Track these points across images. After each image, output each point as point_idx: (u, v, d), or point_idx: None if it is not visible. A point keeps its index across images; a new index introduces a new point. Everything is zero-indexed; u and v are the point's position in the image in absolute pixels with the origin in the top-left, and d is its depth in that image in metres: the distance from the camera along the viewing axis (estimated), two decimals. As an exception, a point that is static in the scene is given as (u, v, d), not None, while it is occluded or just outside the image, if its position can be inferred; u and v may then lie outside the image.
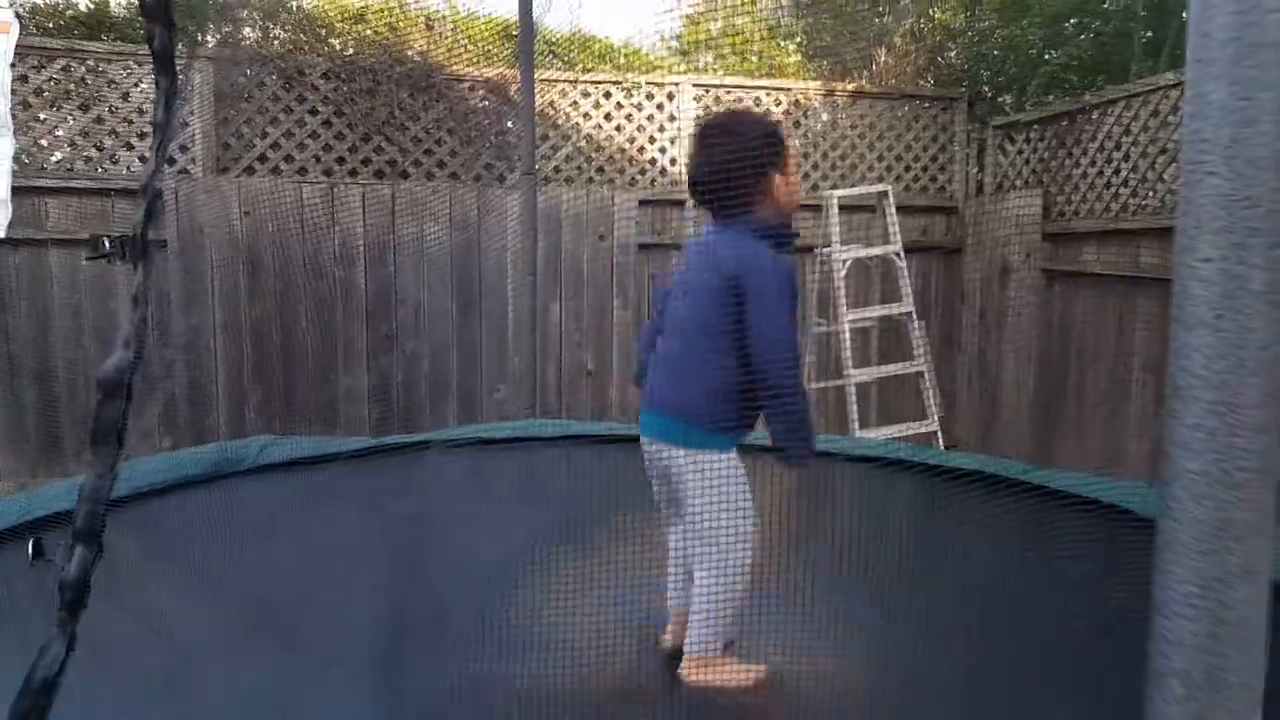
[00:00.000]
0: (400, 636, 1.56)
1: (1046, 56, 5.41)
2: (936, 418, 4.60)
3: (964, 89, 5.34)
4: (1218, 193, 0.77)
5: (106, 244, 0.98)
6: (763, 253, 1.49)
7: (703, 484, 1.46)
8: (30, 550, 1.64)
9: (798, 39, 5.86)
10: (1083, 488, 2.55)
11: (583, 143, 4.85)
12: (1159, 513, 0.83)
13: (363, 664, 1.49)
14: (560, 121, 4.80)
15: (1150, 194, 4.01)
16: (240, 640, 1.61)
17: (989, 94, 5.64)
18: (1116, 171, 4.20)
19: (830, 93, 5.11)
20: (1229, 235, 0.77)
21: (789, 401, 1.45)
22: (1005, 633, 1.72)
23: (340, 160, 4.58)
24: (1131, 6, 5.03)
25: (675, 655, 1.52)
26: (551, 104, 4.71)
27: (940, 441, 4.58)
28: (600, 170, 4.88)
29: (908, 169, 5.19)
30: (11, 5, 3.45)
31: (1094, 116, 4.37)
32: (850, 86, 5.19)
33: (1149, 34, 4.95)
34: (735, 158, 1.49)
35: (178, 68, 1.02)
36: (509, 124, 4.75)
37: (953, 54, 5.86)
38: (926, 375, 4.61)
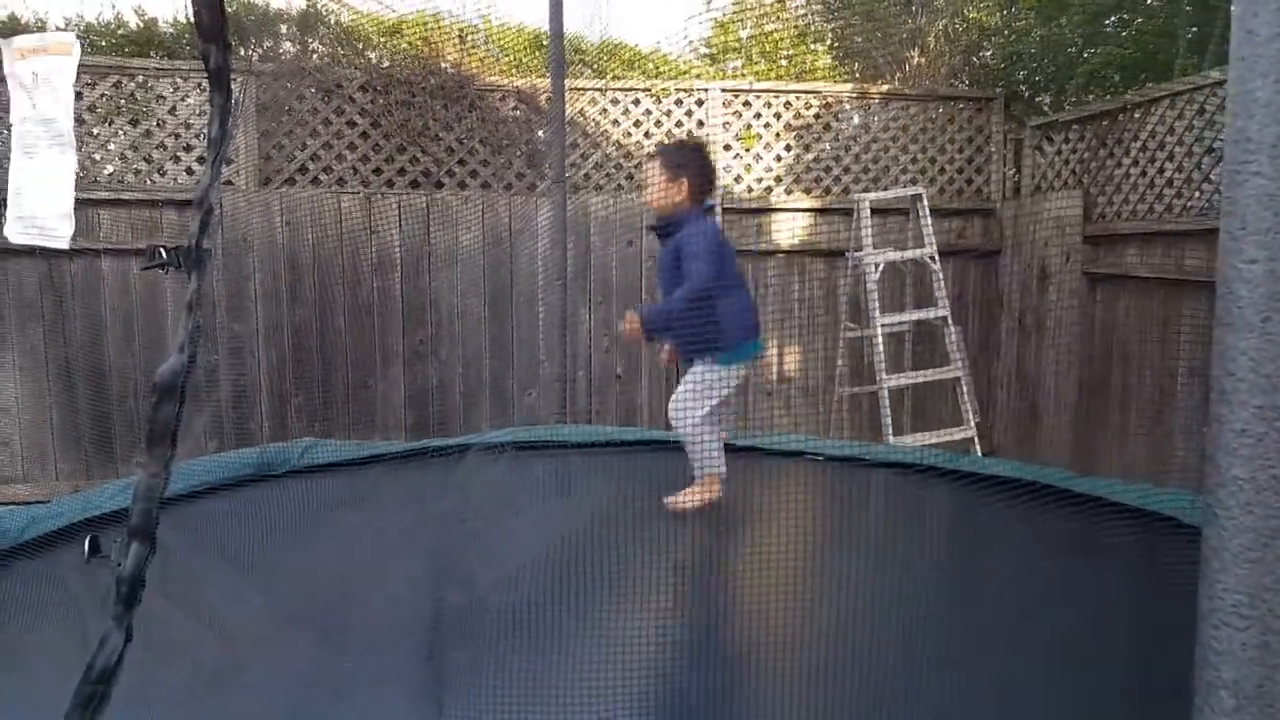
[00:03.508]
0: (441, 629, 1.59)
1: (1086, 55, 5.32)
2: (973, 424, 4.53)
3: (1000, 89, 5.27)
4: (1263, 193, 0.76)
5: (163, 254, 1.01)
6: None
7: None
8: (87, 548, 1.69)
9: (828, 41, 5.83)
10: (1126, 496, 2.49)
11: (612, 150, 4.87)
12: (1205, 521, 0.81)
13: (406, 655, 1.52)
14: (590, 129, 4.83)
15: (1196, 195, 3.91)
16: (287, 632, 1.65)
17: (1026, 93, 5.55)
18: (1160, 171, 4.11)
19: (862, 95, 5.08)
20: (1276, 235, 0.76)
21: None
22: (1044, 642, 1.69)
23: (377, 171, 4.66)
24: (1175, 2, 4.92)
25: None
26: (581, 112, 4.75)
27: (978, 448, 4.51)
28: (629, 177, 4.90)
29: (942, 171, 5.13)
30: (67, 26, 3.59)
31: (1136, 115, 4.28)
32: (882, 88, 5.15)
33: (1194, 30, 4.84)
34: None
35: (232, 84, 1.05)
36: (539, 133, 4.79)
37: (988, 53, 5.78)
38: (963, 381, 4.55)
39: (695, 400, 2.34)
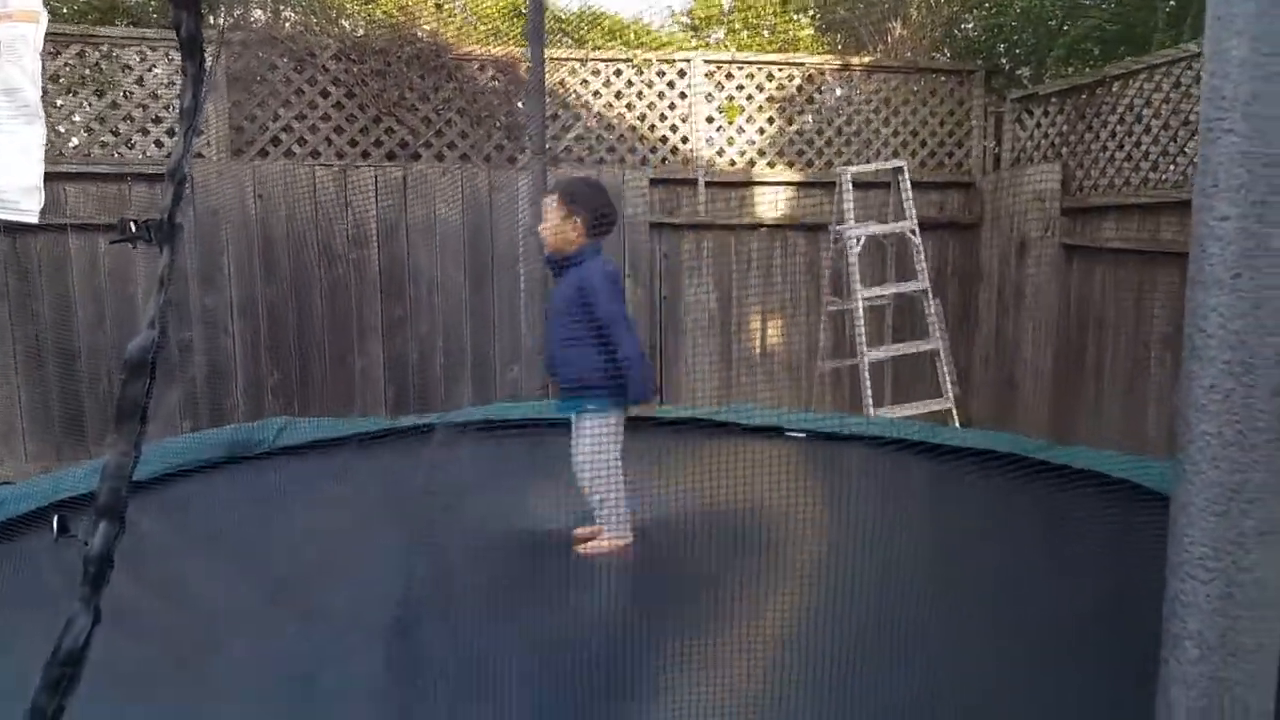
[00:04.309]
0: (414, 606, 1.58)
1: (1065, 27, 5.32)
2: (952, 396, 4.57)
3: (980, 62, 5.26)
4: (1236, 150, 0.76)
5: (134, 227, 0.98)
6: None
7: None
8: (55, 527, 1.67)
9: (811, 12, 5.78)
10: (1099, 465, 2.53)
11: (593, 122, 4.82)
12: (1173, 476, 0.82)
13: (378, 632, 1.52)
14: (570, 100, 4.77)
15: (1171, 167, 3.94)
16: (259, 611, 1.64)
17: (1006, 66, 5.55)
18: (1138, 144, 4.13)
19: (844, 67, 5.05)
20: (1248, 193, 0.76)
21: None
22: (1020, 610, 1.72)
23: (352, 142, 4.58)
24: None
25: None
26: (561, 83, 4.68)
27: (955, 419, 4.56)
28: (611, 149, 4.85)
29: (923, 144, 5.13)
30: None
31: (1114, 88, 4.29)
32: (864, 60, 5.12)
33: (1172, 3, 4.85)
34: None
35: (205, 53, 1.02)
36: (519, 104, 4.73)
37: (969, 26, 5.77)
38: (941, 353, 4.58)
39: (602, 454, 2.16)
